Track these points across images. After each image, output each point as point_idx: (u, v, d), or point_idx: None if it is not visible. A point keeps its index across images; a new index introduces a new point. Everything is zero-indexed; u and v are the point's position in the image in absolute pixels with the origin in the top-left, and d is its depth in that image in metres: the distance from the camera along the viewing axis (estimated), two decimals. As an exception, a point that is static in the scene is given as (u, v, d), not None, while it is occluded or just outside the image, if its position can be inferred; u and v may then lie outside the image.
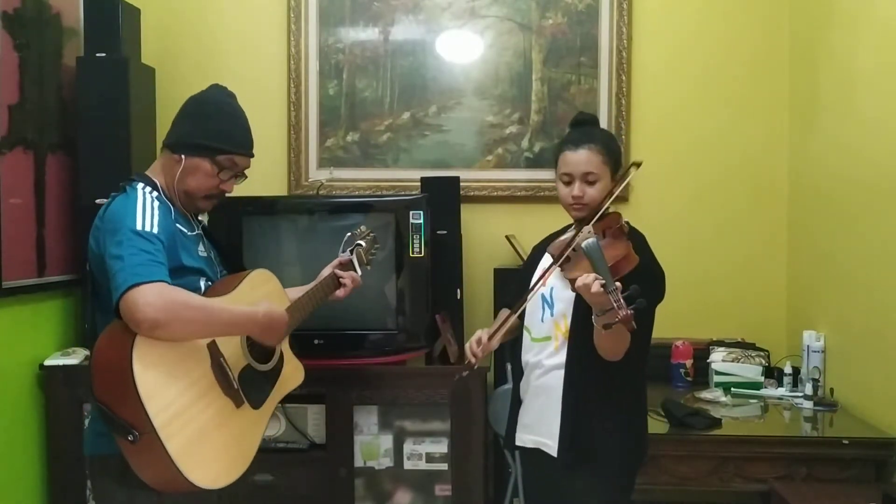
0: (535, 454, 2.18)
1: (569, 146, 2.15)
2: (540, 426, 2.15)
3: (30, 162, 2.87)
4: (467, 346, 2.19)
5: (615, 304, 1.74)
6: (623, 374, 2.07)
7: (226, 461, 1.86)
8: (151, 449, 1.70)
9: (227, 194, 2.08)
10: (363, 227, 2.50)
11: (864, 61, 2.75)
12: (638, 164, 2.08)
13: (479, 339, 2.16)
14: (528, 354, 2.21)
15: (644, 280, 1.94)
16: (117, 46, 3.03)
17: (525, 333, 2.24)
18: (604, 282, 1.78)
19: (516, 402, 2.27)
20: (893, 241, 2.53)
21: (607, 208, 2.09)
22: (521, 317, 2.23)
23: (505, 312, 2.24)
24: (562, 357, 2.10)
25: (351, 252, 2.39)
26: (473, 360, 2.16)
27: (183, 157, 1.98)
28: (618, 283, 1.77)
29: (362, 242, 2.43)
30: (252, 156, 2.09)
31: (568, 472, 2.08)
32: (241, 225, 2.91)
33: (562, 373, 2.09)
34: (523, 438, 2.22)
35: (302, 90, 3.46)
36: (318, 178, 3.41)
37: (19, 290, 2.79)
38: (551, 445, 2.10)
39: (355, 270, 2.37)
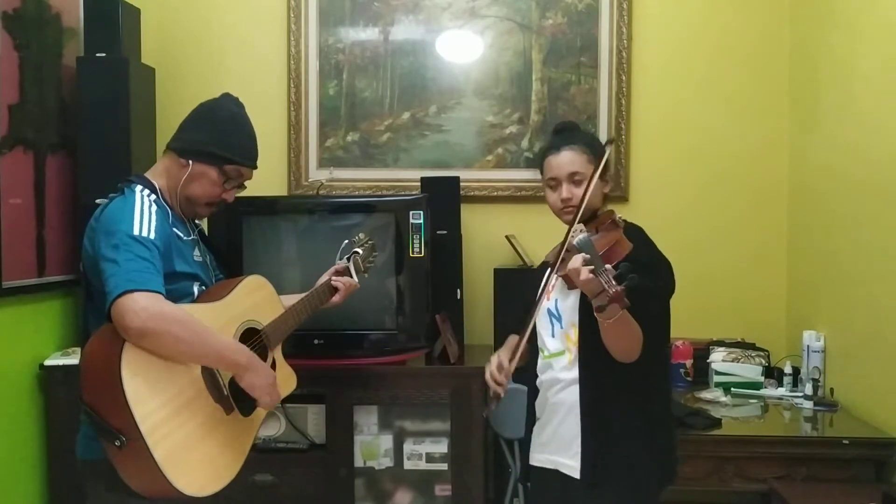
0: (551, 475, 2.07)
1: (551, 151, 2.12)
2: (557, 445, 2.05)
3: (30, 162, 2.87)
4: (488, 375, 2.01)
5: (605, 285, 1.68)
6: (643, 379, 1.97)
7: (213, 469, 1.85)
8: (138, 455, 1.69)
9: (227, 203, 2.08)
10: (361, 235, 2.48)
11: (864, 61, 2.75)
12: (611, 141, 2.06)
13: (501, 365, 2.00)
14: (543, 374, 2.10)
15: (646, 271, 1.82)
16: (117, 46, 3.02)
17: (540, 354, 2.12)
18: (593, 266, 1.71)
19: (531, 421, 2.16)
20: (893, 242, 2.53)
21: (589, 199, 2.01)
22: (531, 340, 2.10)
23: (514, 339, 2.12)
24: (576, 371, 2.01)
25: (348, 260, 2.38)
26: (501, 391, 1.97)
27: (191, 162, 1.97)
28: (608, 266, 1.70)
29: (359, 250, 2.41)
30: (256, 167, 2.10)
31: (589, 494, 1.97)
32: (241, 225, 2.90)
33: (577, 388, 2.00)
34: (539, 458, 2.11)
35: (302, 90, 3.46)
36: (318, 178, 3.41)
37: (19, 290, 2.78)
38: (572, 466, 2.00)
39: (352, 278, 2.36)
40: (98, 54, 3.01)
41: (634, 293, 1.68)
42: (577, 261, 1.75)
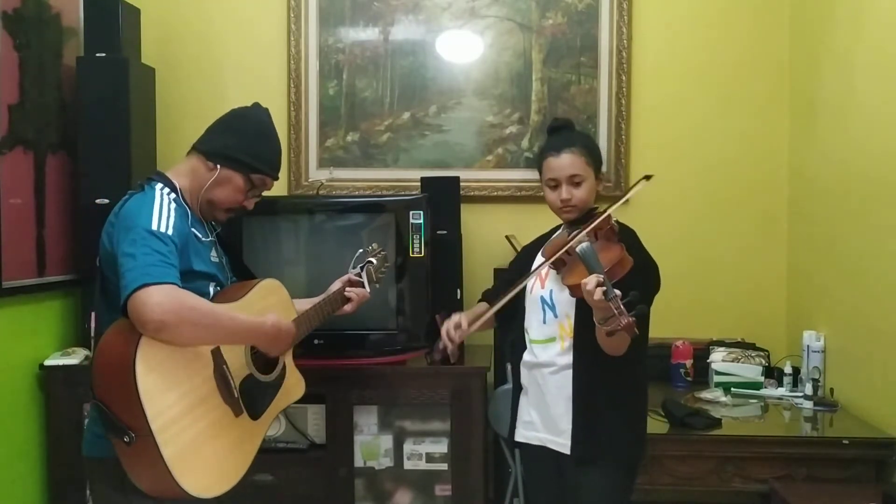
0: (539, 451, 2.20)
1: (551, 152, 2.20)
2: (547, 424, 2.17)
3: (30, 162, 2.87)
4: (444, 329, 2.18)
5: (616, 312, 1.78)
6: (627, 371, 2.10)
7: (220, 470, 1.85)
8: (147, 452, 1.70)
9: (246, 210, 2.10)
10: (374, 245, 2.50)
11: (864, 59, 2.75)
12: (648, 178, 2.13)
13: (458, 324, 2.17)
14: (530, 354, 2.22)
15: (638, 276, 1.99)
16: (117, 46, 3.03)
17: (525, 335, 2.25)
18: (605, 288, 1.81)
19: (516, 400, 2.29)
20: (893, 242, 2.53)
21: (604, 213, 2.11)
22: (499, 313, 2.24)
23: (483, 306, 2.28)
24: (569, 357, 2.13)
25: (361, 269, 2.39)
26: (450, 345, 2.16)
27: (218, 166, 1.99)
28: (617, 291, 1.81)
29: (373, 260, 2.43)
30: (279, 178, 2.13)
31: (575, 469, 2.11)
32: (241, 225, 2.90)
33: (569, 373, 2.12)
34: (527, 435, 2.24)
35: (302, 90, 3.46)
36: (318, 178, 3.41)
37: (19, 290, 2.79)
38: (562, 443, 2.13)
39: (364, 288, 2.37)
40: (98, 54, 3.02)
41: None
42: (591, 281, 1.84)
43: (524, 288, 2.22)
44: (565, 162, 2.16)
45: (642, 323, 2.01)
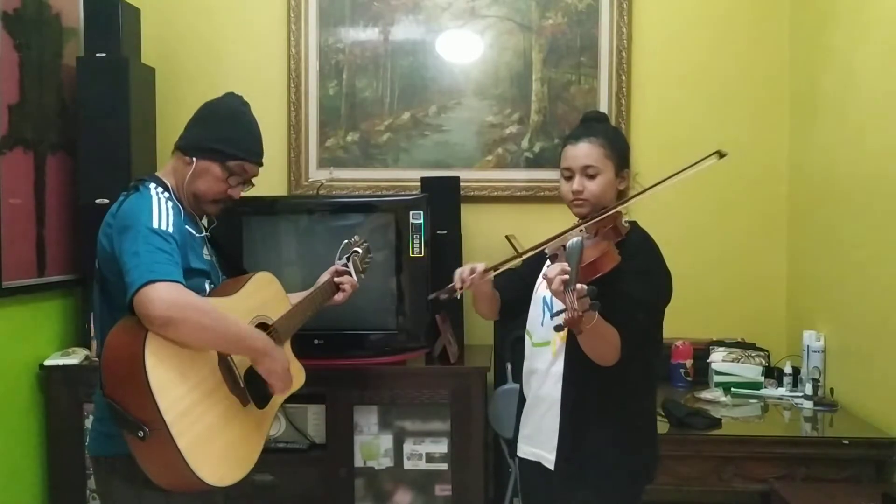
0: (535, 467, 2.09)
1: (570, 140, 2.10)
2: (539, 438, 2.07)
3: (30, 162, 2.88)
4: (458, 271, 2.07)
5: (567, 304, 1.64)
6: (624, 382, 1.97)
7: (233, 459, 1.87)
8: (162, 445, 1.71)
9: (234, 200, 2.10)
10: (357, 237, 2.50)
11: (864, 60, 2.75)
12: (722, 155, 1.98)
13: (474, 269, 2.06)
14: (529, 360, 2.14)
15: (633, 280, 1.89)
16: (117, 46, 3.03)
17: (526, 338, 2.16)
18: (567, 278, 1.67)
19: (520, 413, 2.18)
20: (893, 242, 2.53)
21: (601, 195, 2.02)
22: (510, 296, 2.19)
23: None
24: (560, 365, 2.01)
25: (347, 259, 2.41)
26: (459, 285, 2.05)
27: (194, 159, 2.00)
28: (582, 286, 1.66)
29: (358, 250, 2.44)
30: (261, 164, 2.12)
31: (566, 487, 1.99)
32: (241, 225, 2.91)
33: (560, 383, 2.01)
34: (524, 450, 2.14)
35: (302, 90, 3.46)
36: (318, 178, 3.41)
37: (19, 290, 2.79)
38: (549, 459, 2.02)
39: (352, 277, 2.38)
40: (98, 54, 3.02)
41: (618, 305, 1.70)
42: (554, 269, 1.74)
43: (532, 288, 2.13)
44: (581, 151, 2.05)
45: (647, 325, 1.94)
